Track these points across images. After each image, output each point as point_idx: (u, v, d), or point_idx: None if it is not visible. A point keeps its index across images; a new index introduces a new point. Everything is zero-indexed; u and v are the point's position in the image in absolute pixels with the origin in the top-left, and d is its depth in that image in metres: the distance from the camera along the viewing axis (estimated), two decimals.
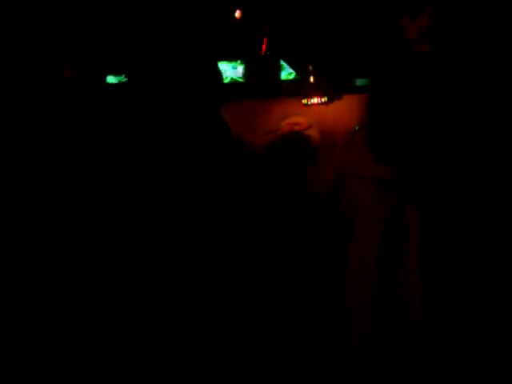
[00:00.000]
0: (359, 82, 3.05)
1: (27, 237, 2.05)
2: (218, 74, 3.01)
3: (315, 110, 3.19)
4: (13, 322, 1.73)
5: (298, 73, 3.41)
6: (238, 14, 3.16)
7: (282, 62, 3.35)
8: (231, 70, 3.24)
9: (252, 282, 1.99)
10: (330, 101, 3.23)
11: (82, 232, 2.14)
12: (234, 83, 3.29)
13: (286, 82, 3.35)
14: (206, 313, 1.79)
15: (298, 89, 3.37)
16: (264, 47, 3.20)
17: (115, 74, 2.62)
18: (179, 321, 1.76)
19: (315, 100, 3.20)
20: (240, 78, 3.31)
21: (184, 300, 1.86)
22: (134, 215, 2.20)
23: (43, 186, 2.14)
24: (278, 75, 3.32)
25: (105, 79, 2.54)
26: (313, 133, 3.00)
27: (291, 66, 3.32)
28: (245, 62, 3.29)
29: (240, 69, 3.27)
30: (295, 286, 2.04)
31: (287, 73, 3.37)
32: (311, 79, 3.33)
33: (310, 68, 3.27)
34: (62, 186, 2.19)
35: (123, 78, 2.54)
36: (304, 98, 3.23)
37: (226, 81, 3.17)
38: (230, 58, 3.25)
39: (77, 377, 1.57)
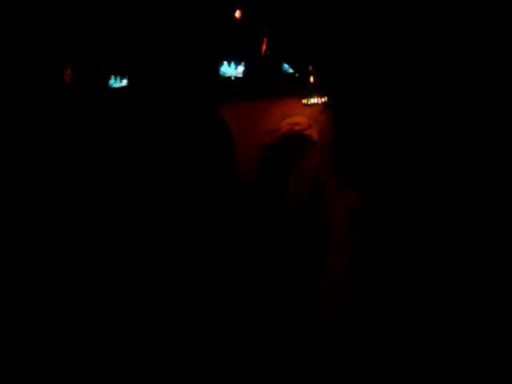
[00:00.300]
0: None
1: (27, 236, 2.05)
2: (218, 74, 3.01)
3: (315, 110, 3.20)
4: (13, 321, 1.73)
5: (297, 73, 3.41)
6: (238, 14, 3.17)
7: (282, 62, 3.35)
8: (231, 70, 3.24)
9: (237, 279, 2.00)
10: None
11: (82, 231, 2.14)
12: (234, 83, 3.29)
13: (286, 82, 3.35)
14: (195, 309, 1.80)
15: (297, 89, 3.37)
16: (264, 47, 3.20)
17: (115, 76, 2.62)
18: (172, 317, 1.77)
19: (315, 100, 3.20)
20: (240, 77, 3.31)
21: (177, 297, 1.86)
22: (134, 214, 2.20)
23: (44, 186, 2.15)
24: (279, 75, 3.32)
25: (105, 82, 2.54)
26: (312, 132, 3.01)
27: (291, 66, 3.32)
28: (245, 61, 3.29)
29: (240, 68, 3.27)
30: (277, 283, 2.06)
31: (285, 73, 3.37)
32: (311, 79, 3.33)
33: (310, 68, 3.27)
34: (63, 186, 2.19)
35: (124, 81, 2.54)
36: (304, 98, 3.23)
37: (226, 80, 3.18)
38: (230, 57, 3.25)
39: (77, 377, 1.57)
